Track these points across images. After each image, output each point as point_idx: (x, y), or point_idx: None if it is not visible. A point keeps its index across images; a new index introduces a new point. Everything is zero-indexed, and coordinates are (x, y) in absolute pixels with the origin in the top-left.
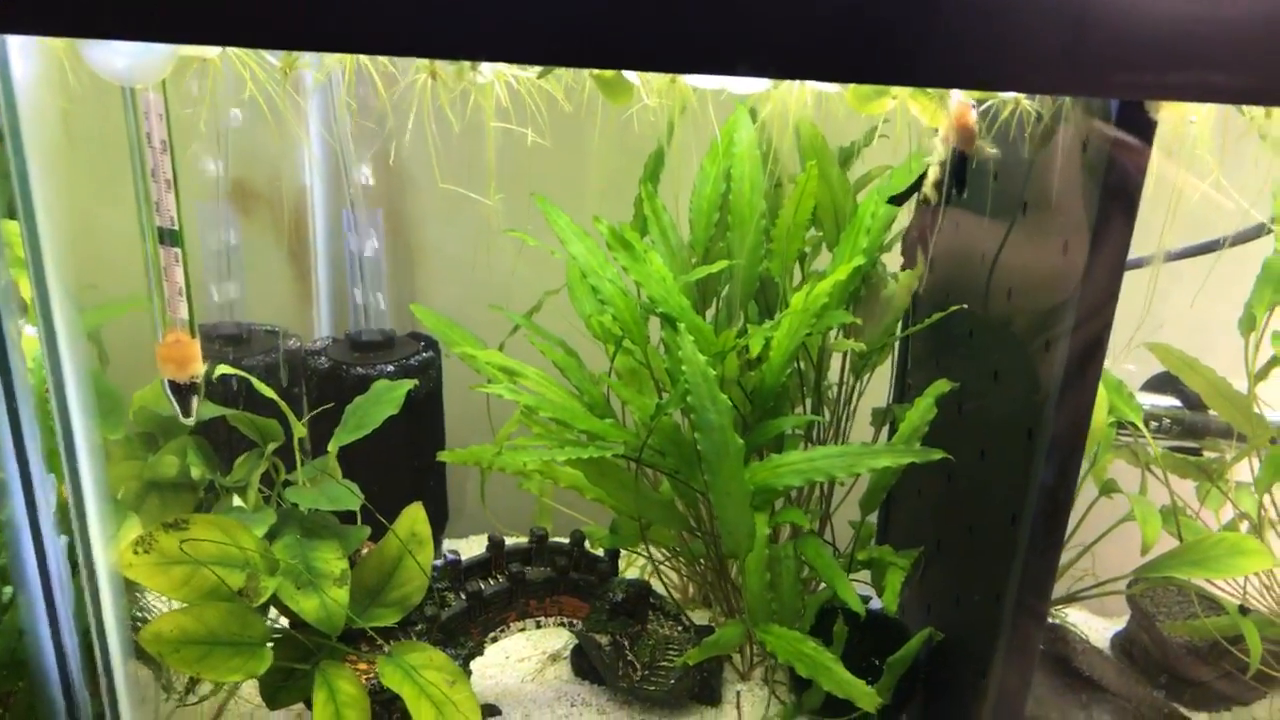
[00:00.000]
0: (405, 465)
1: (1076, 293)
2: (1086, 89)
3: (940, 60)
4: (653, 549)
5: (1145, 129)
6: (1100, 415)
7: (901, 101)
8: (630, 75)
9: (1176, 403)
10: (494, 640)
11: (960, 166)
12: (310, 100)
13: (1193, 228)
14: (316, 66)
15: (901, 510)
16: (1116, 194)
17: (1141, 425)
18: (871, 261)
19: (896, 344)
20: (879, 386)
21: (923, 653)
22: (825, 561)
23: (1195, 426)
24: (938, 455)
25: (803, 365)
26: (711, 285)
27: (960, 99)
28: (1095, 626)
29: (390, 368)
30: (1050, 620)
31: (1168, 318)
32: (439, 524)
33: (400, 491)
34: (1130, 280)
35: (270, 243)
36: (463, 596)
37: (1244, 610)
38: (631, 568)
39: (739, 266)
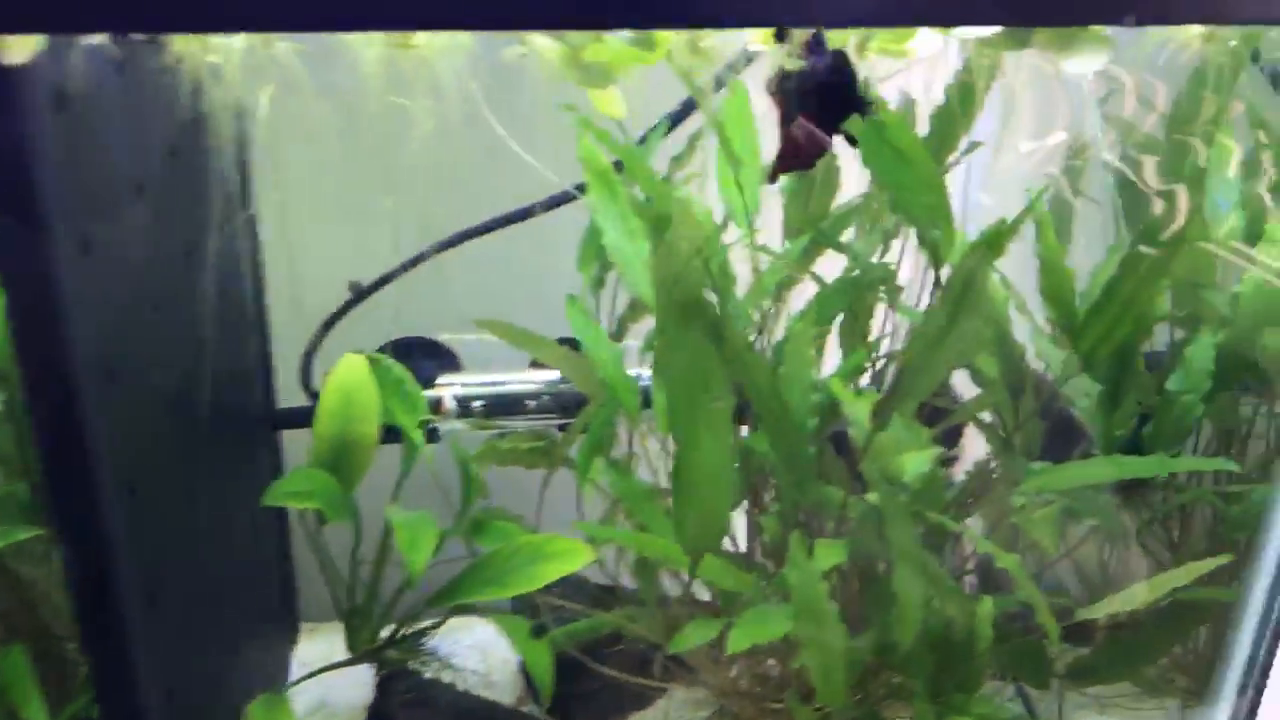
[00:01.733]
0: None
1: None
2: None
3: None
4: None
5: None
6: (368, 424)
7: None
8: None
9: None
10: None
11: None
12: None
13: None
14: None
15: None
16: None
17: (412, 426)
18: None
19: None
20: None
21: None
22: (16, 675)
23: (576, 399)
24: None
25: None
26: None
27: None
28: None
29: None
30: (405, 666)
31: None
32: None
33: None
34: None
35: None
36: None
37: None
38: None
39: None
